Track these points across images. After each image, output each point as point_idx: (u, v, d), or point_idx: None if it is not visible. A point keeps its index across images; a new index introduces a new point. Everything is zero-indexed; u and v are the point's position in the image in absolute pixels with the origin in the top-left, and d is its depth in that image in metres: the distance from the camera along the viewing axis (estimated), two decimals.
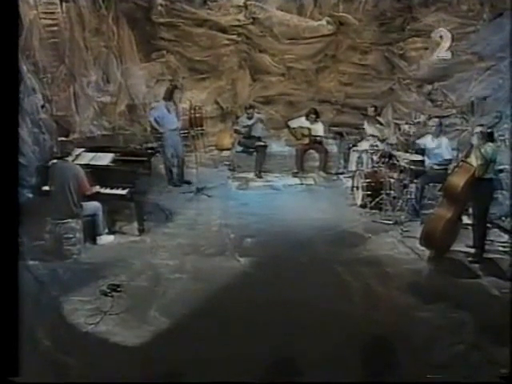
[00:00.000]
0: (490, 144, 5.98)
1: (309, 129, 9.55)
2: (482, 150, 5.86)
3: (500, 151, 6.74)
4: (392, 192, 7.70)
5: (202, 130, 10.48)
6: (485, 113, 8.46)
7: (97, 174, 6.59)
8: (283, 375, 4.23)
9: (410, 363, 4.24)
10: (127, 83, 10.43)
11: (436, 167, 7.47)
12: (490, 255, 6.30)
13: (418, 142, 7.89)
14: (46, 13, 8.96)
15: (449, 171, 6.97)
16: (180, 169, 9.18)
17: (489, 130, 6.05)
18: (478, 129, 6.04)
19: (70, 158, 6.42)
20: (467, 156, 6.09)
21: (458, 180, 5.97)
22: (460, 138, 8.60)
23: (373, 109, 9.36)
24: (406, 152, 7.85)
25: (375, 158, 8.20)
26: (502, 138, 7.64)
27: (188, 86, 10.71)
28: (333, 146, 9.96)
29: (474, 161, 5.92)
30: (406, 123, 8.18)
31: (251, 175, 9.52)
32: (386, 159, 7.96)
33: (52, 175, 6.38)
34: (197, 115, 10.18)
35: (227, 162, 10.08)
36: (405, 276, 5.86)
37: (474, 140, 6.02)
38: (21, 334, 3.51)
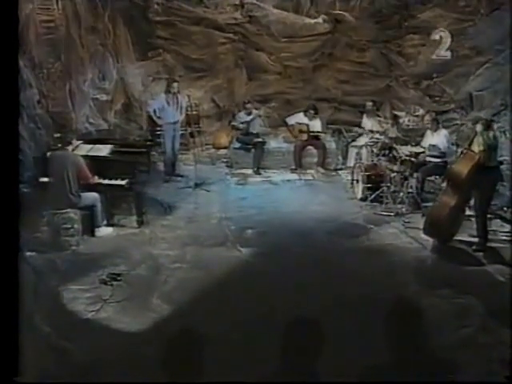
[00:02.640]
0: (492, 132, 6.04)
1: (307, 125, 9.49)
2: (485, 136, 5.88)
3: (500, 142, 6.75)
4: (392, 186, 7.64)
5: (199, 127, 10.45)
6: (484, 106, 8.45)
7: (95, 164, 6.47)
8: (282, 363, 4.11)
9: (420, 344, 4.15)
10: (123, 81, 10.35)
11: (432, 159, 7.46)
12: (493, 244, 6.27)
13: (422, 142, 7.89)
14: (41, 8, 8.86)
15: (449, 165, 6.97)
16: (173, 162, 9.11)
17: (493, 118, 6.07)
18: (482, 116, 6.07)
19: (69, 148, 6.33)
20: (470, 144, 6.08)
21: (463, 168, 5.95)
22: (459, 132, 8.59)
23: (371, 103, 9.32)
24: (405, 145, 7.85)
25: (375, 150, 8.15)
26: (502, 129, 7.64)
27: (184, 85, 10.63)
28: (331, 143, 9.89)
29: (476, 148, 5.93)
30: (407, 113, 8.17)
31: (249, 172, 9.42)
32: (386, 151, 7.92)
33: (51, 165, 6.28)
34: (193, 112, 10.16)
35: (225, 159, 9.99)
36: (410, 264, 5.82)
37: (478, 127, 6.03)
38: (21, 325, 3.39)
